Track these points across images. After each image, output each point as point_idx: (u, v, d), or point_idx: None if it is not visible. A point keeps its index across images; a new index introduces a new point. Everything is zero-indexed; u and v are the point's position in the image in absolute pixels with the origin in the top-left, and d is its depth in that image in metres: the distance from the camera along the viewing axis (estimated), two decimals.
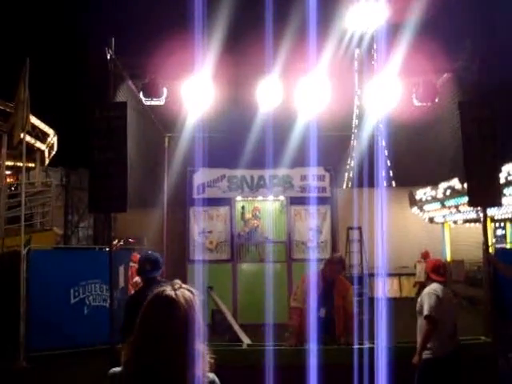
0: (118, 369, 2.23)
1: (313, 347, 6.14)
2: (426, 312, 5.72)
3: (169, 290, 2.20)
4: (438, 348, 5.68)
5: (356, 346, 6.71)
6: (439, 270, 6.01)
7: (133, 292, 5.98)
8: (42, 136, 17.76)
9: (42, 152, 18.27)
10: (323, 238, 15.06)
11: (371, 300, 9.55)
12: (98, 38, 10.12)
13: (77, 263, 11.48)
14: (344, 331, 6.79)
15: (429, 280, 6.04)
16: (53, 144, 18.93)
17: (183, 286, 2.25)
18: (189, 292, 2.22)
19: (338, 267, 6.98)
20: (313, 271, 7.26)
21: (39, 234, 14.97)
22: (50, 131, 18.34)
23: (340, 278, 7.11)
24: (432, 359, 5.68)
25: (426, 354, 5.72)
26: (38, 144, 17.59)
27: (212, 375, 2.27)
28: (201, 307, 2.22)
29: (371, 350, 6.39)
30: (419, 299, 5.97)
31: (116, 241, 14.31)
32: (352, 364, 6.11)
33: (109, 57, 9.17)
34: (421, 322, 5.83)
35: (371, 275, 13.67)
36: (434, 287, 5.87)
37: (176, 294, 2.17)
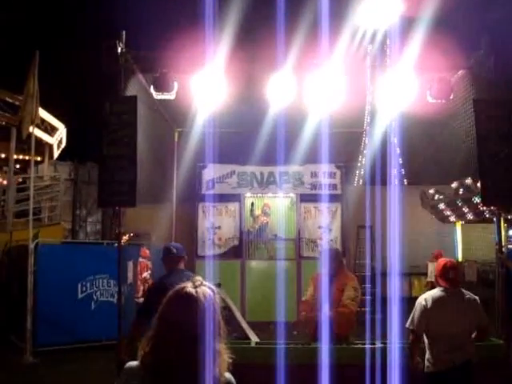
0: (134, 363, 2.20)
1: (322, 346, 6.06)
2: (406, 324, 5.40)
3: (189, 287, 2.18)
4: (436, 361, 5.18)
5: (368, 346, 6.63)
6: (447, 274, 5.31)
7: (158, 278, 6.20)
8: (50, 130, 17.73)
9: (51, 146, 18.24)
10: (333, 236, 14.97)
11: (383, 299, 9.45)
12: (109, 31, 10.04)
13: (85, 258, 11.48)
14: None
15: (437, 283, 5.51)
16: (62, 138, 18.90)
17: (204, 283, 2.23)
18: (209, 290, 2.20)
19: (332, 259, 6.91)
20: (321, 270, 7.20)
21: (47, 228, 15.00)
22: (59, 125, 18.31)
23: (342, 271, 7.04)
24: (433, 373, 5.21)
25: (426, 367, 5.29)
26: (47, 138, 17.55)
27: (228, 375, 2.24)
28: (220, 305, 2.21)
29: (383, 350, 6.31)
30: None
31: (127, 236, 14.28)
32: (363, 363, 6.02)
33: (119, 50, 9.09)
34: None
35: (383, 274, 13.54)
36: (426, 296, 5.35)
37: (196, 292, 2.16)
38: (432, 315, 5.18)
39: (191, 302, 2.13)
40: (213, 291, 2.21)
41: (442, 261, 5.59)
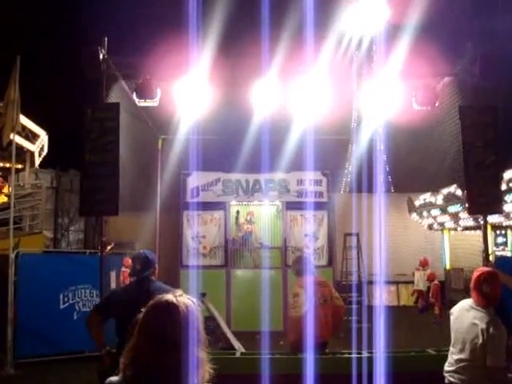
0: (115, 378, 2.15)
1: (308, 356, 5.97)
2: None
3: (170, 297, 2.18)
4: (444, 376, 4.65)
5: (354, 355, 6.56)
6: (481, 287, 4.51)
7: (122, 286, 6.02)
8: (32, 137, 17.52)
9: (32, 153, 18.04)
10: (319, 244, 14.92)
11: (369, 308, 9.40)
12: (91, 37, 9.94)
13: (67, 267, 11.28)
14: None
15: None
16: (43, 145, 18.70)
17: (184, 295, 2.23)
18: (190, 301, 2.20)
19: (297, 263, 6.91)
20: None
21: (28, 237, 14.74)
22: (41, 132, 18.12)
23: (316, 279, 7.00)
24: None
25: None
26: (28, 145, 17.34)
27: None
28: (201, 317, 2.20)
29: (369, 359, 6.23)
30: None
31: (111, 245, 14.09)
32: (349, 373, 5.94)
33: (101, 56, 8.98)
34: None
35: (369, 282, 13.50)
36: (456, 305, 4.78)
37: (177, 300, 2.15)
38: (452, 327, 4.69)
39: (171, 308, 2.12)
40: (193, 302, 2.20)
41: (477, 271, 4.73)
